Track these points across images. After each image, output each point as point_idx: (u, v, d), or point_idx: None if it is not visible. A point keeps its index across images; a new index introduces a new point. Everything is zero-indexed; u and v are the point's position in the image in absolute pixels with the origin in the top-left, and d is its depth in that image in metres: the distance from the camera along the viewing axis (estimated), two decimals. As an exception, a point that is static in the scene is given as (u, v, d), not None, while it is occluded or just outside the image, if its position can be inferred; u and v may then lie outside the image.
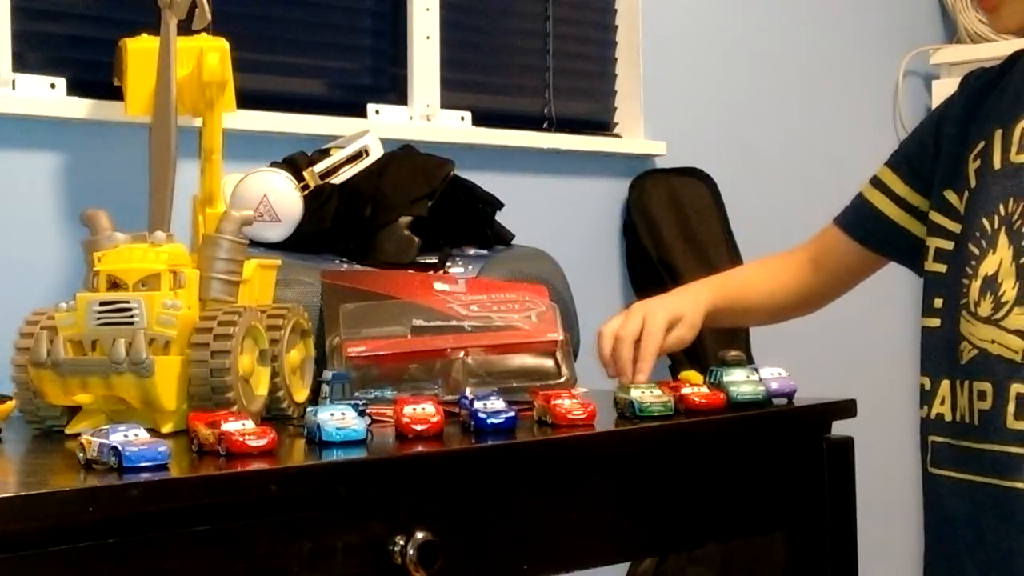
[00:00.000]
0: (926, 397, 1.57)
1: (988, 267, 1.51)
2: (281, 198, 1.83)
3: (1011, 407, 1.46)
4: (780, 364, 1.69)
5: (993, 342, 1.47)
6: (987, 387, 1.48)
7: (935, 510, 1.58)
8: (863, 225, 1.74)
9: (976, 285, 1.51)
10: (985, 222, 1.52)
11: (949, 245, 1.58)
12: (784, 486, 1.64)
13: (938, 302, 1.58)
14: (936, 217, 1.61)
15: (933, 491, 1.57)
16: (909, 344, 3.21)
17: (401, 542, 1.25)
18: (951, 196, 1.59)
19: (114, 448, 1.15)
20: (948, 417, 1.53)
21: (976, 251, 1.52)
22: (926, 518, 1.60)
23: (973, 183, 1.56)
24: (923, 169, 1.66)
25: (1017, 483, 1.46)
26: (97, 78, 1.86)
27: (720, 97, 2.79)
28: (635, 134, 2.64)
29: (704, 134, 2.75)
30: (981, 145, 1.56)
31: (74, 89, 1.90)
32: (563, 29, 2.59)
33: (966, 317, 1.51)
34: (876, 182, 1.73)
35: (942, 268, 1.58)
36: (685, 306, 1.72)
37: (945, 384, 1.54)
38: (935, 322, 1.57)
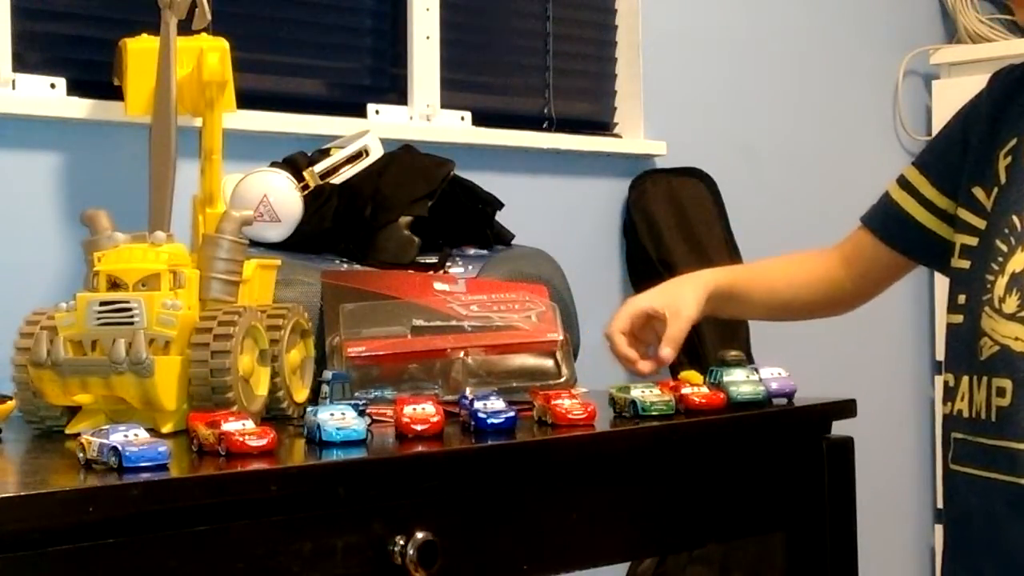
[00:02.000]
0: (949, 394, 1.56)
1: (1016, 264, 1.49)
2: (281, 198, 1.83)
3: None
4: (780, 364, 1.69)
5: (1017, 339, 1.46)
6: (1007, 384, 1.46)
7: (954, 507, 1.57)
8: (890, 227, 1.72)
9: (1003, 282, 1.50)
10: (1015, 219, 1.50)
11: (974, 241, 1.56)
12: (784, 486, 1.64)
13: (961, 298, 1.56)
14: (963, 214, 1.59)
15: (953, 488, 1.56)
16: (910, 343, 3.22)
17: (401, 542, 1.25)
18: (979, 192, 1.57)
19: (114, 448, 1.15)
20: (966, 413, 1.52)
21: (1004, 248, 1.51)
22: (946, 515, 1.60)
23: (1003, 180, 1.54)
24: (950, 170, 1.64)
25: None
26: (97, 78, 1.86)
27: (720, 97, 2.79)
28: (635, 134, 2.64)
29: (704, 134, 2.75)
30: (1013, 142, 1.54)
31: (74, 89, 1.90)
32: (563, 29, 2.59)
33: (988, 313, 1.50)
34: (904, 183, 1.71)
35: (966, 264, 1.57)
36: (676, 299, 1.70)
37: (965, 380, 1.53)
38: (958, 318, 1.56)
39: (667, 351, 1.65)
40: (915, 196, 1.69)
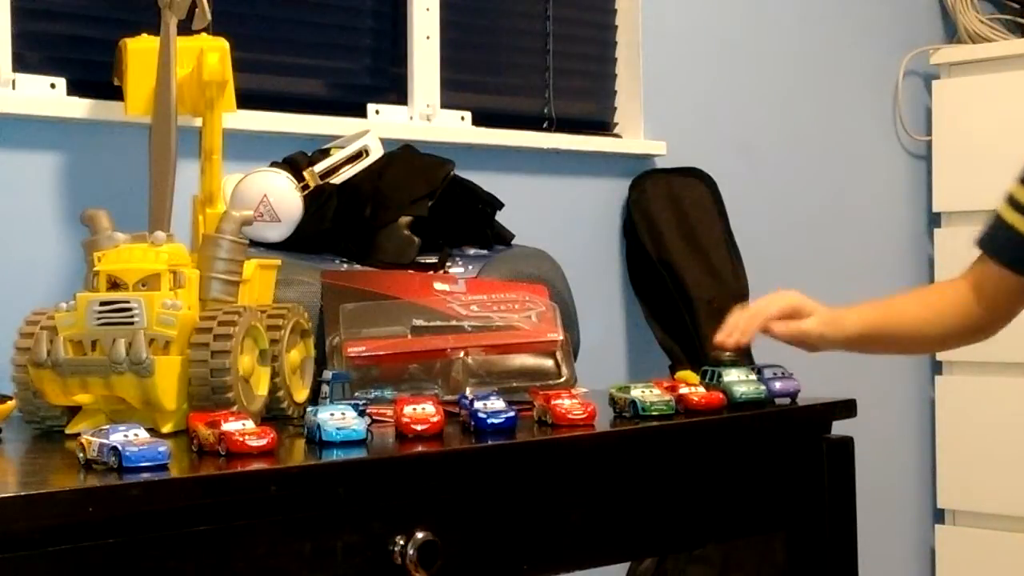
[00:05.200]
0: None
1: None
2: (281, 198, 1.83)
3: None
4: (780, 364, 1.69)
5: None
6: None
7: None
8: (1010, 250, 1.69)
9: None
10: None
11: None
12: (784, 486, 1.64)
13: None
14: None
15: None
16: (909, 344, 3.21)
17: (401, 542, 1.25)
18: None
19: (114, 448, 1.15)
20: None
21: None
22: None
23: None
24: None
25: None
26: (97, 78, 1.86)
27: (720, 97, 2.79)
28: (635, 134, 2.64)
29: (704, 134, 2.74)
30: None
31: (74, 89, 1.90)
32: (563, 29, 2.59)
33: None
34: (1014, 203, 1.68)
35: None
36: (822, 310, 1.69)
37: None
38: None
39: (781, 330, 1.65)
40: None
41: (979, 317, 1.74)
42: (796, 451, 1.64)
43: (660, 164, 2.64)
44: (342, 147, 1.95)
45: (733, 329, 1.66)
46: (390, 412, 1.42)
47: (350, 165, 1.93)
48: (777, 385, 1.63)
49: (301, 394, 1.59)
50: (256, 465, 1.20)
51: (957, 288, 1.76)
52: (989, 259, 1.72)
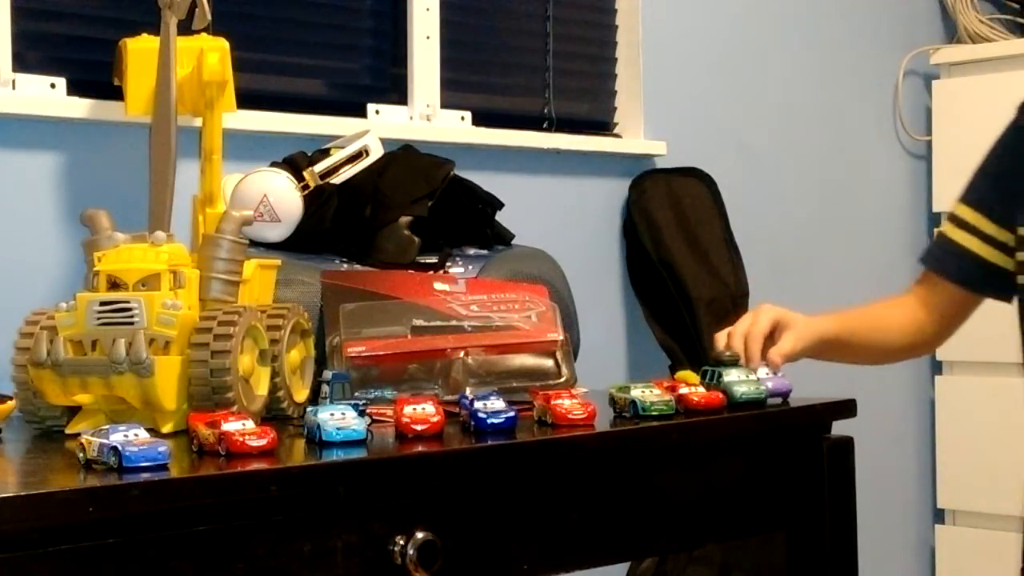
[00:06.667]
0: None
1: None
2: (281, 198, 1.83)
3: None
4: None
5: None
6: None
7: None
8: (958, 267, 1.76)
9: None
10: None
11: None
12: (784, 486, 1.64)
13: None
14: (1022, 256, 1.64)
15: None
16: (909, 344, 3.21)
17: (401, 542, 1.25)
18: None
19: (114, 448, 1.15)
20: None
21: None
22: None
23: None
24: (1002, 203, 1.69)
25: None
26: (97, 78, 1.86)
27: (720, 97, 2.79)
28: (635, 134, 2.64)
29: (704, 134, 2.75)
30: None
31: (74, 89, 1.90)
32: (563, 29, 2.59)
33: None
34: (960, 223, 1.75)
35: None
36: (798, 318, 1.73)
37: None
38: None
39: (778, 360, 1.68)
40: (976, 234, 1.72)
41: (929, 332, 1.82)
42: (796, 451, 1.64)
43: (660, 164, 2.64)
44: (342, 147, 1.95)
45: (742, 357, 1.69)
46: (390, 412, 1.42)
47: (350, 165, 1.93)
48: (769, 385, 1.63)
49: (301, 394, 1.59)
50: (256, 465, 1.20)
51: (906, 304, 1.82)
52: (940, 276, 1.78)
